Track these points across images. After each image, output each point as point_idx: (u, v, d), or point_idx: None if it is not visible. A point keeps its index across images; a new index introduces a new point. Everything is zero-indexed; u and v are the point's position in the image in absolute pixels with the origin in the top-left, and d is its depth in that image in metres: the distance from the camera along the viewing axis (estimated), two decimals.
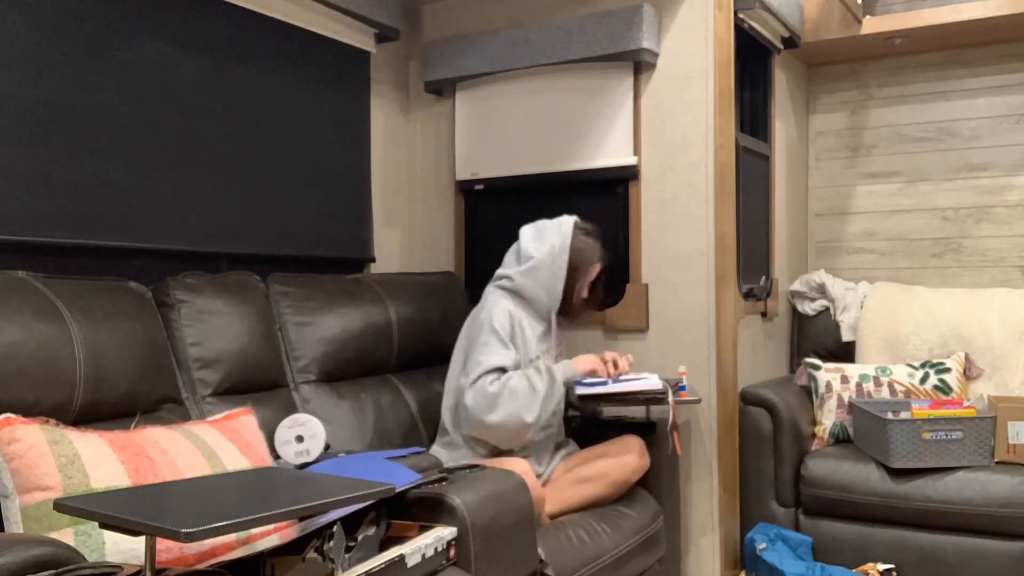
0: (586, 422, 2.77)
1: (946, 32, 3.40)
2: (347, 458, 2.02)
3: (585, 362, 2.46)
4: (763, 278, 3.43)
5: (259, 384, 2.27)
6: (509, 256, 2.59)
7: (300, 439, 2.14)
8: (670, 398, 2.46)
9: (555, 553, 2.09)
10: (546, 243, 2.49)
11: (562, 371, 2.43)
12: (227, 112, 2.58)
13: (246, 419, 1.98)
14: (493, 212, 3.22)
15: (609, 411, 2.88)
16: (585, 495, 2.41)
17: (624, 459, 2.47)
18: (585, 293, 2.55)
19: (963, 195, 3.64)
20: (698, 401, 2.58)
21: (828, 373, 3.16)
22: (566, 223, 2.52)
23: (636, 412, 2.86)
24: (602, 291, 2.66)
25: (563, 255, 2.47)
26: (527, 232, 2.56)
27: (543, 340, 2.51)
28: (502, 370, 2.36)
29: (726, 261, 2.81)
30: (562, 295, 2.48)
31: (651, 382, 2.48)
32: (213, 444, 1.79)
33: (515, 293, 2.49)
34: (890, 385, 3.11)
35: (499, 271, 2.56)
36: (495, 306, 2.44)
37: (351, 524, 1.71)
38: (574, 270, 2.49)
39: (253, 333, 2.26)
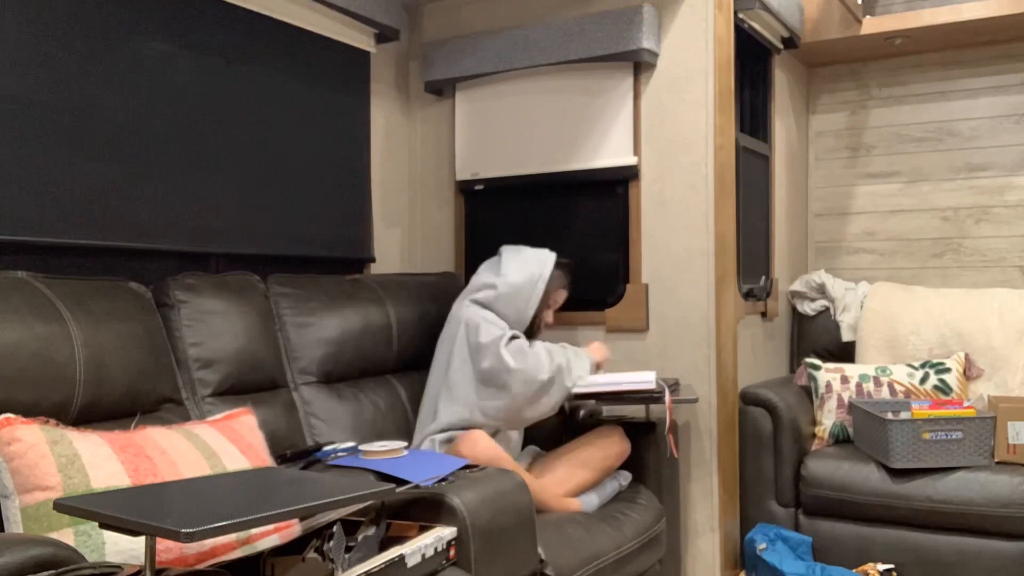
0: (570, 421, 2.78)
1: (946, 32, 3.40)
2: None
3: (599, 351, 2.66)
4: (763, 278, 3.43)
5: (259, 384, 2.27)
6: (486, 268, 2.65)
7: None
8: (667, 397, 2.47)
9: (555, 553, 2.09)
10: (527, 272, 2.59)
11: (584, 353, 2.59)
12: (227, 112, 2.58)
13: (246, 419, 1.98)
14: (493, 212, 3.22)
15: (609, 411, 2.88)
16: (571, 484, 2.43)
17: (607, 445, 2.53)
18: (550, 319, 2.69)
19: (963, 195, 3.64)
20: (695, 401, 2.58)
21: (828, 373, 3.16)
22: (548, 258, 2.64)
23: (636, 412, 2.86)
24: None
25: (540, 285, 2.58)
26: (509, 255, 2.65)
27: None
28: (519, 337, 2.50)
29: (726, 261, 2.81)
30: (530, 321, 2.59)
31: (646, 380, 2.49)
32: (213, 444, 1.79)
33: (488, 308, 2.56)
34: (890, 385, 3.11)
35: (475, 284, 2.61)
36: (479, 313, 2.53)
37: (351, 524, 1.71)
38: (544, 300, 2.62)
39: (253, 333, 2.26)
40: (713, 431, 2.81)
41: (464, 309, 2.55)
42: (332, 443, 2.27)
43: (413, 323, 2.74)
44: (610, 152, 2.95)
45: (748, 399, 3.03)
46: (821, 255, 3.92)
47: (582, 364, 2.53)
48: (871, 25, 3.38)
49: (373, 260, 3.15)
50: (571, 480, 2.44)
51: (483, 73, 3.12)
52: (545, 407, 2.45)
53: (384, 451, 2.02)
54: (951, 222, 3.66)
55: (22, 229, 2.06)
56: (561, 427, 2.79)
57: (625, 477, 2.61)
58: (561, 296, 2.70)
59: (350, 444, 2.21)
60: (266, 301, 2.38)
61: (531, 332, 2.62)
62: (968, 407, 2.78)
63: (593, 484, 2.50)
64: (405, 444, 2.08)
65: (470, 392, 2.45)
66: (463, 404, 2.45)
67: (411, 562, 1.59)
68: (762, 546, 2.79)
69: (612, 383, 2.56)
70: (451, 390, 2.48)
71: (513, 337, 2.47)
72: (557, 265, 2.66)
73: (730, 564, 2.88)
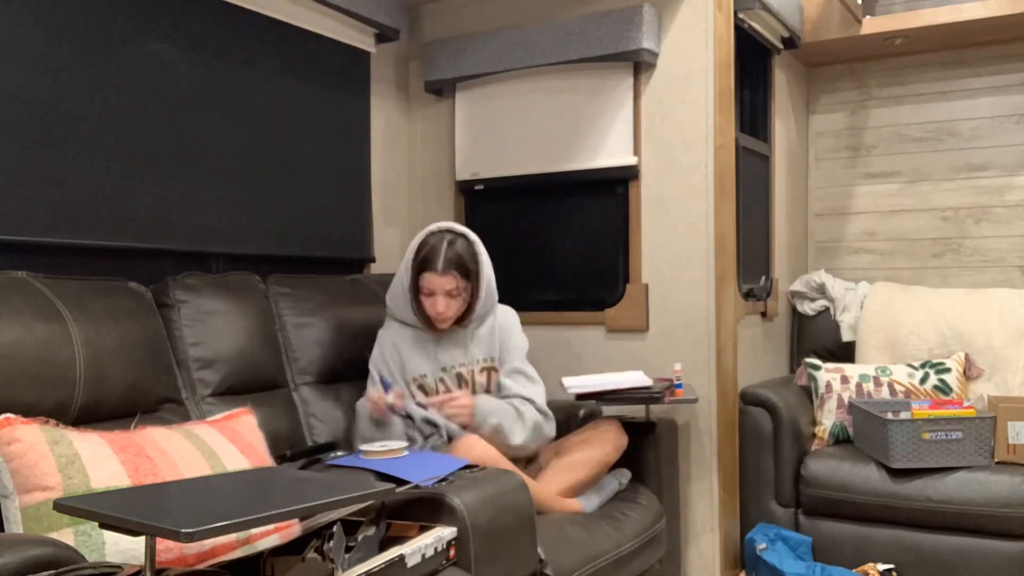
0: (569, 420, 2.78)
1: (946, 32, 3.40)
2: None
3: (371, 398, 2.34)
4: (763, 278, 3.44)
5: (259, 384, 2.27)
6: None
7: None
8: (666, 397, 2.49)
9: (555, 553, 2.09)
10: (402, 263, 2.43)
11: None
12: (227, 112, 2.58)
13: (246, 419, 1.98)
14: (493, 212, 3.22)
15: (609, 410, 2.88)
16: (570, 482, 2.42)
17: (604, 440, 2.50)
18: (439, 306, 2.35)
19: (963, 195, 3.64)
20: (695, 400, 2.58)
21: (828, 373, 3.16)
22: (411, 247, 2.40)
23: (636, 411, 2.86)
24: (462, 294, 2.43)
25: (406, 274, 2.39)
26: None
27: (434, 357, 2.42)
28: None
29: (726, 261, 2.81)
30: (418, 311, 2.39)
31: (641, 379, 2.49)
32: (213, 444, 1.79)
33: (396, 319, 2.47)
34: (890, 385, 3.11)
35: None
36: (378, 338, 2.46)
37: (351, 524, 1.71)
38: (415, 292, 2.38)
39: (253, 333, 2.26)
40: (713, 431, 2.81)
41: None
42: (334, 443, 2.27)
43: None
44: (610, 152, 2.95)
45: (748, 399, 3.03)
46: (821, 255, 3.92)
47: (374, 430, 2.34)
48: (871, 25, 3.38)
49: (373, 260, 3.15)
50: (570, 478, 2.43)
51: (483, 73, 3.12)
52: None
53: (384, 451, 2.02)
54: (951, 222, 3.66)
55: (22, 229, 2.06)
56: (560, 426, 2.78)
57: (625, 475, 2.61)
58: (431, 282, 2.33)
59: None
60: (266, 301, 2.38)
61: (427, 323, 2.41)
62: (968, 407, 2.78)
63: (593, 480, 2.49)
64: (405, 444, 2.08)
65: None
66: None
67: (411, 562, 1.59)
68: (762, 546, 2.79)
69: (610, 383, 2.56)
70: None
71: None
72: (426, 240, 2.37)
73: (730, 564, 2.88)
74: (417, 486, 1.82)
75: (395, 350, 2.42)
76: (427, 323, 2.40)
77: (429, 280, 2.34)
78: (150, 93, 2.36)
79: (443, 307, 2.35)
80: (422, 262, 2.36)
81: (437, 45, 3.20)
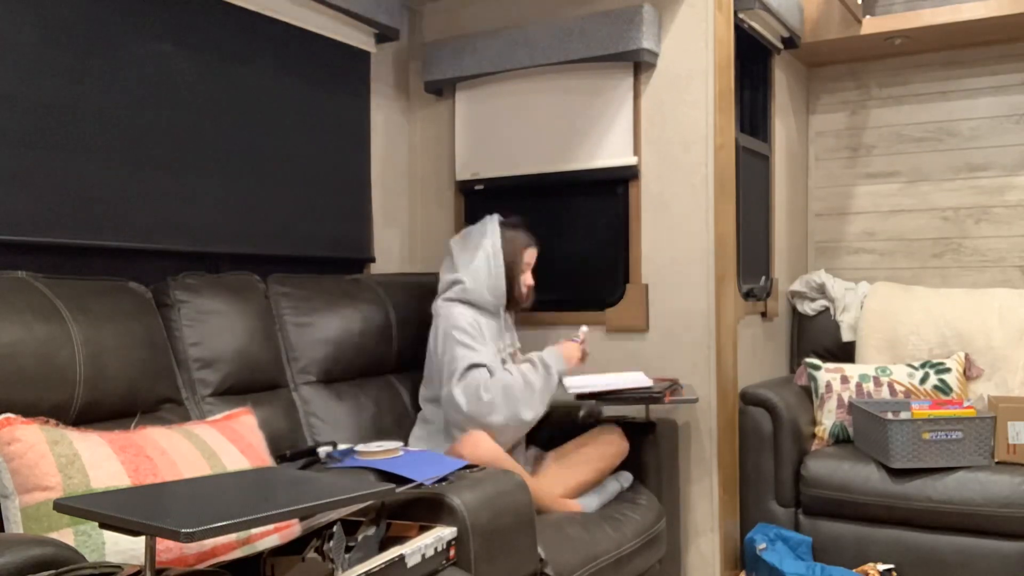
0: (573, 422, 2.78)
1: (946, 32, 3.40)
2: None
3: (571, 348, 2.53)
4: (763, 278, 3.43)
5: (259, 384, 2.27)
6: (443, 269, 2.62)
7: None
8: (667, 396, 2.49)
9: (555, 553, 2.09)
10: (477, 248, 2.55)
11: (555, 360, 2.47)
12: (227, 112, 2.58)
13: (246, 419, 1.98)
14: (493, 212, 3.21)
15: (609, 410, 2.88)
16: (571, 485, 2.43)
17: (606, 445, 2.53)
18: (529, 280, 2.61)
19: (963, 195, 3.64)
20: (695, 401, 2.58)
21: (828, 373, 3.16)
22: (490, 223, 2.60)
23: (636, 412, 2.86)
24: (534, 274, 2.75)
25: (497, 256, 2.54)
26: (456, 244, 2.61)
27: (500, 338, 2.58)
28: (482, 366, 2.40)
29: (726, 261, 2.81)
30: (506, 290, 2.55)
31: (641, 379, 2.49)
32: (213, 444, 1.79)
33: (464, 301, 2.53)
34: (890, 385, 3.11)
35: (441, 284, 2.59)
36: (451, 315, 2.48)
37: (351, 524, 1.71)
38: (511, 264, 2.56)
39: (253, 333, 2.26)
40: (713, 431, 2.81)
41: (440, 310, 2.53)
42: (333, 444, 2.27)
43: (413, 323, 2.74)
44: (610, 152, 2.95)
45: (748, 399, 3.03)
46: (821, 255, 3.92)
47: (549, 386, 2.43)
48: (871, 25, 3.38)
49: (373, 260, 3.15)
50: (571, 480, 2.44)
51: (483, 73, 3.12)
52: (503, 438, 2.38)
53: (380, 451, 2.02)
54: (951, 222, 3.66)
55: (22, 229, 2.06)
56: (561, 428, 2.78)
57: (626, 478, 2.61)
58: (530, 255, 2.61)
59: (347, 446, 2.21)
60: (266, 301, 2.38)
61: (514, 302, 2.59)
62: (968, 407, 2.78)
63: (593, 484, 2.49)
64: (401, 444, 2.08)
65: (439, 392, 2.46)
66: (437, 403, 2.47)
67: (411, 562, 1.59)
68: (762, 546, 2.79)
69: (611, 384, 2.56)
70: (430, 389, 2.52)
71: (473, 367, 2.39)
72: (505, 226, 2.60)
73: (730, 564, 2.88)
74: (420, 485, 1.82)
75: (475, 326, 2.48)
76: (513, 301, 2.58)
77: (530, 255, 2.60)
78: (150, 93, 2.36)
79: (532, 280, 2.63)
80: (527, 239, 2.60)
81: (437, 45, 3.20)
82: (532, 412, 2.37)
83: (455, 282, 2.54)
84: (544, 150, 3.07)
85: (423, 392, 2.56)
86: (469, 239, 2.59)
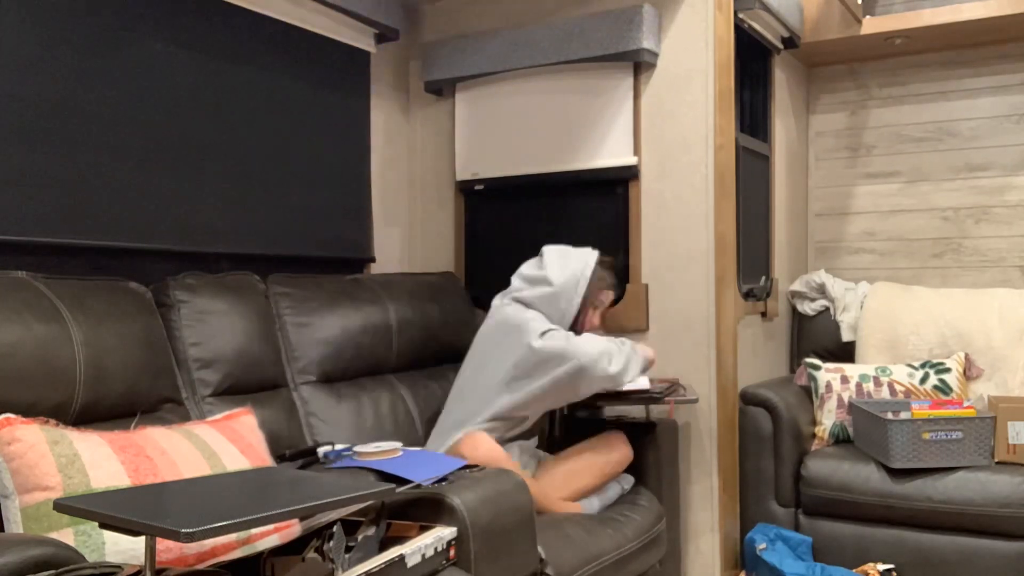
0: (572, 423, 2.78)
1: (946, 32, 3.40)
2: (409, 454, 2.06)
3: (647, 350, 2.60)
4: (763, 278, 3.43)
5: (259, 384, 2.27)
6: (529, 266, 2.62)
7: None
8: (670, 398, 2.49)
9: (555, 553, 2.09)
10: (568, 270, 2.56)
11: (639, 360, 2.54)
12: (227, 112, 2.58)
13: (246, 419, 1.98)
14: (493, 212, 3.22)
15: (609, 411, 2.88)
16: (573, 488, 2.43)
17: (609, 450, 2.52)
18: (596, 320, 2.64)
19: (963, 195, 3.64)
20: (695, 401, 2.58)
21: (828, 373, 3.16)
22: (591, 257, 2.60)
23: (636, 412, 2.86)
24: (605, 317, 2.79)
25: (582, 285, 2.54)
26: (553, 255, 2.61)
27: None
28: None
29: (726, 261, 2.81)
30: (572, 320, 2.56)
31: (641, 381, 2.51)
32: (213, 444, 1.79)
33: (530, 307, 2.54)
34: (890, 385, 3.11)
35: (517, 283, 2.59)
36: (519, 314, 2.50)
37: (351, 524, 1.71)
38: (587, 300, 2.57)
39: (253, 333, 2.26)
40: (713, 431, 2.81)
41: (505, 307, 2.54)
42: (331, 444, 2.27)
43: (413, 323, 2.74)
44: (610, 152, 2.95)
45: (748, 399, 3.03)
46: (821, 255, 3.92)
47: (636, 365, 2.50)
48: (871, 25, 3.38)
49: (373, 260, 3.15)
50: (573, 484, 2.44)
51: (483, 73, 3.12)
52: (571, 395, 2.43)
53: (379, 452, 2.02)
54: (951, 222, 3.66)
55: (22, 229, 2.06)
56: (564, 431, 2.78)
57: (627, 480, 2.61)
58: (607, 296, 2.64)
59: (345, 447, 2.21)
60: (266, 301, 2.38)
61: (575, 331, 2.59)
62: (968, 407, 2.78)
63: (595, 489, 2.49)
64: (399, 444, 2.08)
65: (494, 386, 2.45)
66: (485, 398, 2.45)
67: (411, 562, 1.59)
68: (762, 546, 2.79)
69: None
70: (480, 387, 2.50)
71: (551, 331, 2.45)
72: (600, 263, 2.62)
73: (730, 564, 2.88)
74: (419, 485, 1.82)
75: None
76: (580, 332, 2.59)
77: (607, 296, 2.65)
78: (150, 93, 2.36)
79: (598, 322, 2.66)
80: (612, 281, 2.65)
81: (437, 45, 3.20)
82: (617, 366, 2.41)
83: (542, 281, 2.55)
84: (544, 150, 3.07)
85: (456, 385, 2.56)
86: (566, 256, 2.60)
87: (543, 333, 2.41)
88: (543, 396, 2.40)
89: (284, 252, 2.76)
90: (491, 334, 2.52)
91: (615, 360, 2.42)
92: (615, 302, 2.82)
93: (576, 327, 2.58)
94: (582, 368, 2.37)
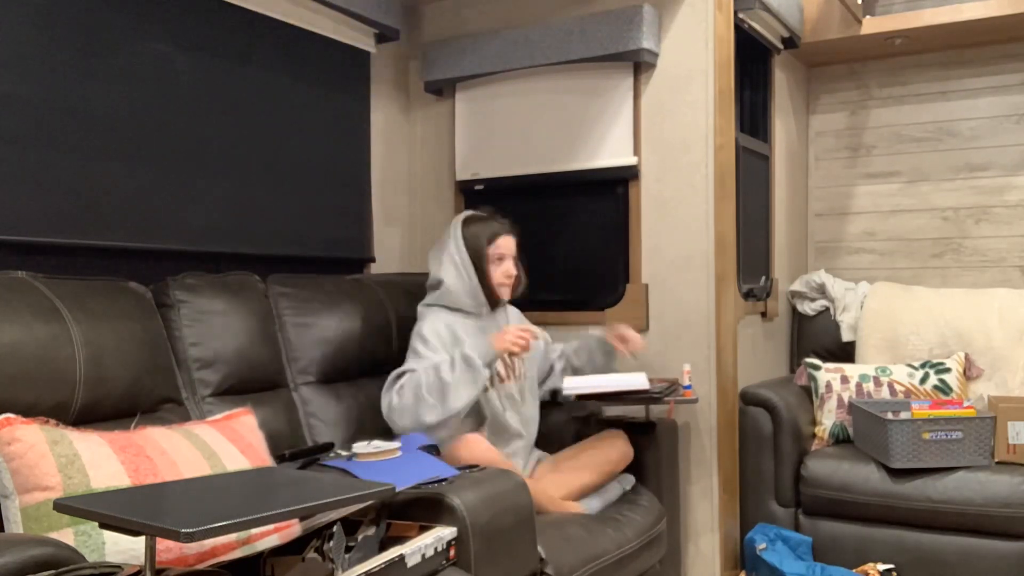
0: (575, 423, 2.78)
1: (946, 32, 3.40)
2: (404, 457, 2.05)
3: (501, 337, 2.33)
4: (763, 278, 3.43)
5: (259, 384, 2.27)
6: (428, 280, 2.58)
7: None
8: (670, 398, 2.49)
9: (555, 553, 2.09)
10: (443, 252, 2.51)
11: (483, 353, 2.32)
12: (227, 112, 2.58)
13: (246, 419, 1.98)
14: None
15: (609, 411, 2.88)
16: (573, 488, 2.43)
17: (610, 450, 2.52)
18: (510, 270, 2.51)
19: (963, 195, 3.64)
20: (696, 401, 2.58)
21: (828, 373, 3.16)
22: (452, 225, 2.54)
23: (636, 412, 2.86)
24: (521, 262, 2.65)
25: (461, 253, 2.49)
26: (431, 251, 2.58)
27: (492, 334, 2.49)
28: (413, 371, 2.34)
29: (726, 261, 2.81)
30: (481, 287, 2.49)
31: (640, 381, 2.49)
32: (213, 444, 1.79)
33: (443, 305, 2.50)
34: (890, 385, 3.11)
35: (428, 289, 2.56)
36: (420, 322, 2.47)
37: (351, 524, 1.71)
38: (478, 259, 2.49)
39: (253, 333, 2.26)
40: (713, 431, 2.81)
41: (418, 312, 2.54)
42: (332, 444, 2.27)
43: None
44: (610, 152, 2.95)
45: (748, 399, 3.03)
46: (821, 255, 3.92)
47: (468, 378, 2.27)
48: (871, 25, 3.38)
49: (373, 260, 3.15)
50: (573, 483, 2.44)
51: (483, 73, 3.12)
52: (457, 425, 2.33)
53: (378, 452, 2.02)
54: (951, 222, 3.66)
55: (22, 229, 2.06)
56: (565, 431, 2.78)
57: (628, 480, 2.61)
58: (502, 243, 2.51)
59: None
60: (266, 301, 2.38)
61: (492, 294, 2.51)
62: (968, 407, 2.78)
63: (595, 488, 2.49)
64: (398, 444, 2.08)
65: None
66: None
67: (411, 562, 1.59)
68: (762, 546, 2.79)
69: (611, 385, 2.56)
70: None
71: (404, 373, 2.35)
72: (469, 221, 2.52)
73: (730, 564, 2.88)
74: (418, 486, 1.82)
75: (449, 330, 2.44)
76: (490, 296, 2.50)
77: (503, 242, 2.51)
78: (150, 93, 2.36)
79: (514, 269, 2.53)
80: (490, 230, 2.50)
81: (437, 45, 3.20)
82: (434, 415, 2.25)
83: (434, 286, 2.52)
84: (544, 150, 3.07)
85: None
86: (439, 244, 2.56)
87: (398, 376, 2.35)
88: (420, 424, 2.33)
89: (284, 252, 2.76)
90: None
91: (420, 408, 2.26)
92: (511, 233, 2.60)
93: (490, 289, 2.49)
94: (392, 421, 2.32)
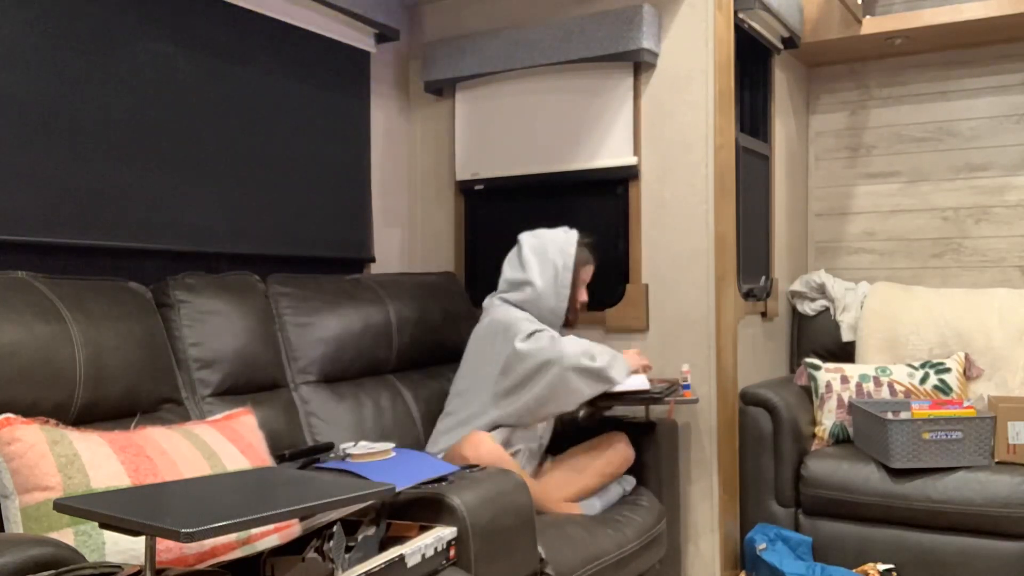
0: (574, 424, 2.78)
1: (946, 32, 3.40)
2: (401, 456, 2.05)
3: (634, 356, 2.55)
4: (763, 278, 3.43)
5: (259, 384, 2.27)
6: (510, 267, 2.59)
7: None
8: (670, 399, 2.49)
9: (556, 553, 2.09)
10: (549, 267, 2.53)
11: (621, 362, 2.50)
12: (227, 112, 2.58)
13: (246, 419, 1.98)
14: (493, 212, 3.22)
15: (610, 411, 2.88)
16: (574, 489, 2.43)
17: (611, 452, 2.52)
18: (583, 296, 2.62)
19: (963, 195, 3.64)
20: (696, 401, 2.58)
21: (828, 373, 3.16)
22: (569, 245, 2.55)
23: (636, 412, 2.86)
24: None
25: (566, 275, 2.53)
26: (529, 252, 2.56)
27: None
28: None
29: (726, 261, 2.81)
30: (566, 308, 2.55)
31: (640, 381, 2.50)
32: (213, 444, 1.79)
33: (520, 308, 2.54)
34: (890, 385, 3.11)
35: (503, 284, 2.57)
36: (510, 314, 2.48)
37: (351, 524, 1.71)
38: (574, 276, 2.56)
39: (253, 333, 2.26)
40: (713, 431, 2.81)
41: (495, 307, 2.53)
42: (332, 444, 2.27)
43: (413, 323, 2.74)
44: (610, 152, 2.95)
45: (748, 399, 3.03)
46: (821, 255, 3.92)
47: (621, 364, 2.47)
48: (871, 25, 3.38)
49: (373, 260, 3.15)
50: (574, 485, 2.44)
51: (483, 73, 3.12)
52: (570, 399, 2.40)
53: (371, 453, 2.01)
54: (951, 222, 3.66)
55: (22, 229, 2.06)
56: (566, 432, 2.78)
57: (629, 482, 2.61)
58: (588, 272, 2.62)
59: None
60: (266, 301, 2.38)
61: (568, 318, 2.59)
62: (968, 407, 2.78)
63: (596, 489, 2.48)
64: (392, 445, 2.07)
65: (490, 389, 2.43)
66: (485, 403, 2.44)
67: (411, 562, 1.59)
68: (762, 546, 2.79)
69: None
70: (479, 388, 2.49)
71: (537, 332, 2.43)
72: (582, 245, 2.60)
73: (730, 564, 2.88)
74: (418, 486, 1.82)
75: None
76: (574, 316, 2.59)
77: (588, 272, 2.61)
78: (150, 93, 2.36)
79: (586, 297, 2.63)
80: (587, 256, 2.60)
81: (437, 45, 3.20)
82: (600, 363, 2.38)
83: (525, 284, 2.53)
84: (544, 150, 3.07)
85: (454, 386, 2.56)
86: (545, 250, 2.55)
87: (529, 335, 2.40)
88: (543, 402, 2.39)
89: (284, 252, 2.76)
90: (484, 334, 2.52)
91: (599, 357, 2.41)
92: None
93: (569, 313, 2.56)
94: (567, 366, 2.35)
